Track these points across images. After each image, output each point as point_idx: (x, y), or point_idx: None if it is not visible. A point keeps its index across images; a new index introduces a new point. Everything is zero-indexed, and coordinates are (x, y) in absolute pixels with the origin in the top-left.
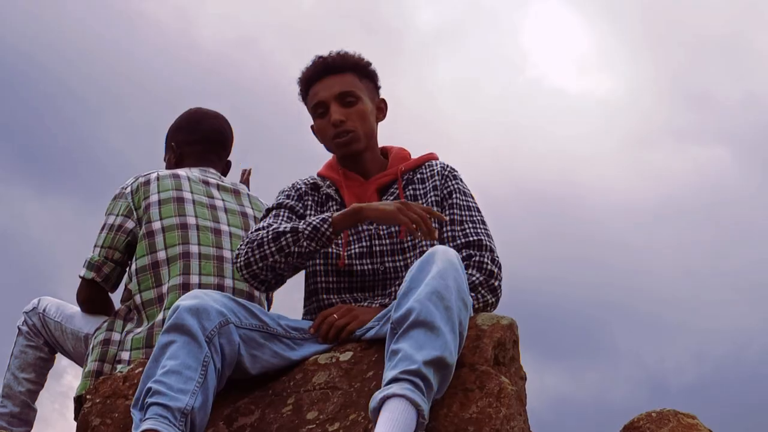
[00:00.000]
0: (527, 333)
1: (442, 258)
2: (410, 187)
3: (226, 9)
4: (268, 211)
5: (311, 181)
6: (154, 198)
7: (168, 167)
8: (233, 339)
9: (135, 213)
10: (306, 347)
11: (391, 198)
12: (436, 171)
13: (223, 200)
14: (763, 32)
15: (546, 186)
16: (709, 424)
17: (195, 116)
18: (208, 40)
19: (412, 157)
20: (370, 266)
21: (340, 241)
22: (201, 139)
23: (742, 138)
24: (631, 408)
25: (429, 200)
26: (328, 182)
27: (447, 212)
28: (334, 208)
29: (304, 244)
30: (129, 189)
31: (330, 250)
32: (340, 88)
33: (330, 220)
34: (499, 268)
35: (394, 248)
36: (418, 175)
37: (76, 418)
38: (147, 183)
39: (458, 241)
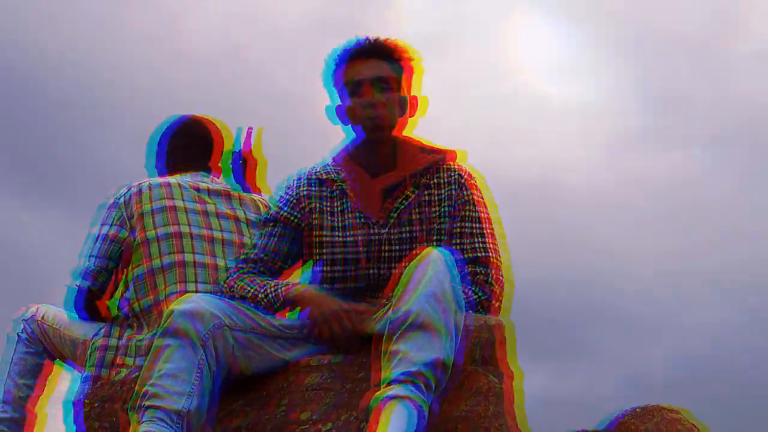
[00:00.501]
0: (519, 334)
1: (437, 259)
2: (425, 193)
3: (213, 19)
4: (266, 221)
5: (325, 176)
6: (146, 207)
7: (159, 174)
8: (228, 342)
9: (128, 222)
10: (300, 347)
11: (404, 205)
12: (454, 179)
13: (215, 205)
14: (735, 33)
15: (529, 191)
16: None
17: (181, 122)
18: (196, 50)
19: (423, 151)
20: (373, 270)
21: (342, 239)
22: (192, 144)
23: (719, 139)
24: (618, 407)
25: (442, 209)
26: (343, 175)
27: (457, 224)
28: (347, 205)
29: (257, 306)
30: (122, 199)
31: (345, 256)
32: (378, 73)
33: (284, 297)
34: (501, 286)
35: (399, 254)
36: (435, 180)
37: (67, 422)
38: (139, 193)
39: (465, 256)
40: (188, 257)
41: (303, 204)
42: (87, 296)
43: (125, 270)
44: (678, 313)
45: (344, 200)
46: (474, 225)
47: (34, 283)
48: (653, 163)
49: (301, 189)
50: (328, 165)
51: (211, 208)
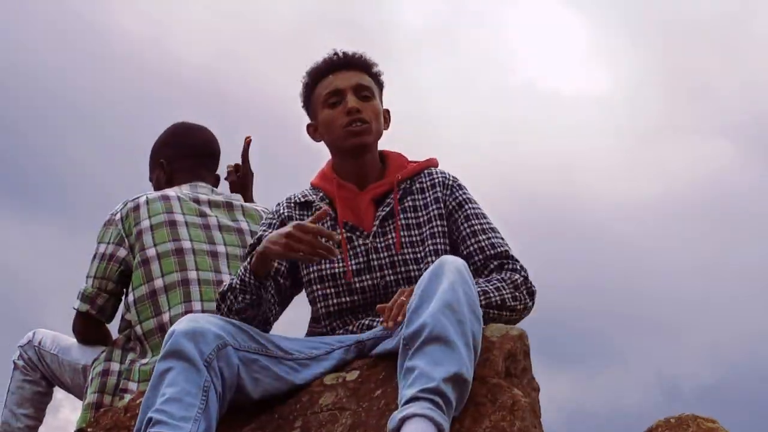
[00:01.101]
0: (533, 341)
1: (452, 270)
2: (409, 198)
3: (204, 21)
4: (252, 247)
5: (302, 199)
6: (145, 224)
7: (157, 186)
8: (232, 362)
9: (126, 240)
10: (310, 369)
11: (387, 209)
12: (437, 181)
13: (216, 217)
14: (757, 19)
15: (541, 186)
16: (726, 428)
17: (181, 130)
18: (186, 53)
19: (410, 162)
20: (369, 282)
21: (341, 258)
22: (190, 153)
23: (742, 129)
24: (645, 414)
25: (431, 212)
26: (321, 194)
27: (462, 224)
28: (329, 223)
29: (240, 298)
30: (119, 215)
31: (333, 271)
32: (359, 81)
33: (249, 266)
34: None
35: (393, 260)
36: (417, 185)
37: None
38: (136, 208)
39: (487, 252)
40: (191, 275)
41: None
42: (89, 320)
43: (125, 290)
44: (706, 314)
45: (325, 218)
46: (483, 221)
47: (24, 303)
48: (675, 156)
49: (282, 212)
50: (305, 190)
51: (212, 221)
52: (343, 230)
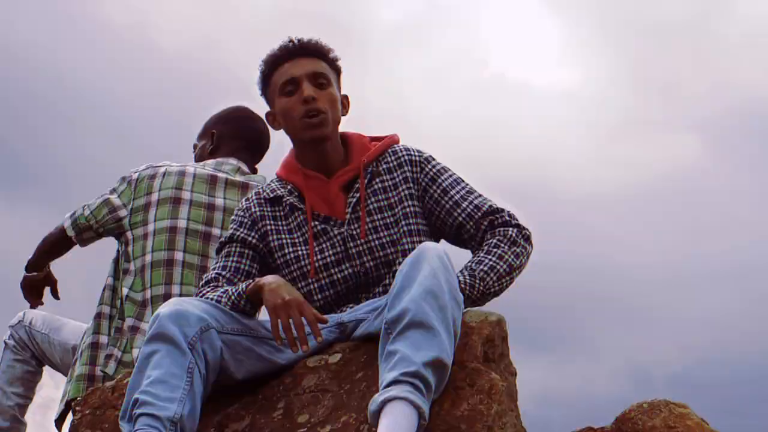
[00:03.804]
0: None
1: (433, 256)
2: (377, 180)
3: (183, 11)
4: (222, 245)
5: (272, 194)
6: (154, 197)
7: (200, 154)
8: (215, 344)
9: (132, 203)
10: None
11: (358, 196)
12: (404, 159)
13: (225, 199)
14: (724, 19)
15: (517, 180)
16: (697, 413)
17: (242, 113)
18: (167, 42)
19: (372, 141)
20: (350, 270)
21: (307, 252)
22: (242, 136)
23: (710, 126)
24: (615, 400)
25: (401, 192)
26: (290, 187)
27: (441, 198)
28: (301, 217)
29: (223, 306)
30: (137, 176)
31: (301, 269)
32: (314, 69)
33: (244, 296)
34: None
35: (370, 246)
36: (384, 165)
37: (59, 423)
38: (153, 177)
39: (475, 216)
40: (178, 255)
41: (258, 225)
42: (64, 239)
43: (123, 260)
44: (675, 304)
45: (296, 213)
46: (460, 188)
47: (12, 286)
48: (647, 151)
49: (253, 210)
50: (272, 182)
51: (219, 202)
52: (317, 222)
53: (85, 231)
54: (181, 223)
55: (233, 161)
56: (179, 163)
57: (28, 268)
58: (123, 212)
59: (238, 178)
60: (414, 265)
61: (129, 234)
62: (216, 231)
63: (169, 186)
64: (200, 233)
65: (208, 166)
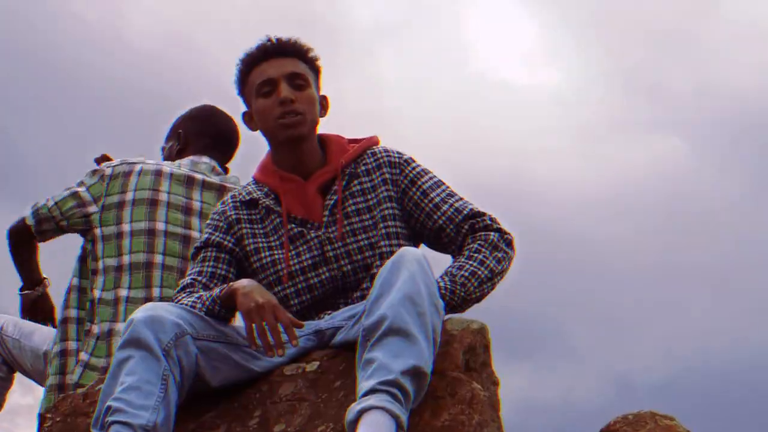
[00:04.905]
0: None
1: (412, 261)
2: (355, 182)
3: (156, 5)
4: (197, 250)
5: (248, 197)
6: (129, 196)
7: (167, 155)
8: (190, 350)
9: (103, 199)
10: (269, 357)
11: (336, 198)
12: (383, 161)
13: (202, 202)
14: (710, 24)
15: (498, 181)
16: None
17: (210, 111)
18: (139, 37)
19: (351, 143)
20: (327, 274)
21: (282, 255)
22: (211, 133)
23: (695, 130)
24: (598, 409)
25: (380, 195)
26: (266, 190)
27: (421, 201)
28: (277, 221)
29: (198, 312)
30: (110, 171)
31: (288, 270)
32: (292, 69)
33: (219, 300)
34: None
35: (348, 249)
36: (363, 167)
37: None
38: (128, 174)
39: (456, 219)
40: (158, 258)
41: (234, 229)
42: (23, 231)
43: (90, 258)
44: (659, 311)
45: (272, 216)
46: (440, 191)
47: None
48: (630, 154)
49: (229, 214)
50: (249, 185)
51: (196, 205)
52: (294, 225)
53: (45, 221)
54: (160, 226)
55: (206, 159)
56: (154, 161)
57: (22, 288)
58: (93, 208)
59: (214, 179)
60: (392, 271)
61: (98, 231)
62: (195, 234)
63: (145, 186)
64: (179, 236)
65: (183, 166)
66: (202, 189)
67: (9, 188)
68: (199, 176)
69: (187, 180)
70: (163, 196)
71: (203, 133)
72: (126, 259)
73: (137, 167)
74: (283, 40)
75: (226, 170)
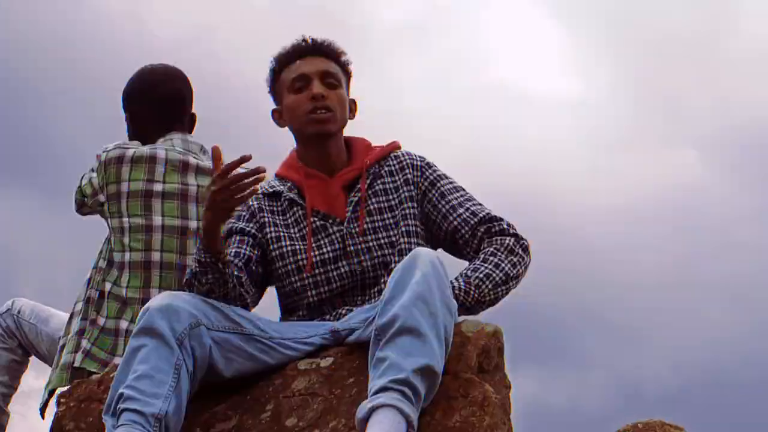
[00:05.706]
0: None
1: (426, 262)
2: (379, 182)
3: (177, 5)
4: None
5: (270, 190)
6: (124, 187)
7: (131, 137)
8: (204, 341)
9: (106, 188)
10: (284, 351)
11: (359, 195)
12: (406, 163)
13: (198, 186)
14: (730, 37)
15: (515, 189)
16: None
17: (145, 82)
18: (161, 37)
19: (374, 147)
20: (347, 267)
21: (304, 247)
22: (157, 106)
23: (711, 142)
24: (607, 417)
25: (402, 195)
26: (289, 184)
27: (439, 202)
28: (300, 213)
29: (203, 279)
30: (104, 157)
31: (297, 263)
32: (326, 68)
33: (200, 246)
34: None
35: (369, 246)
36: (386, 168)
37: (43, 412)
38: (120, 161)
39: (471, 222)
40: (155, 256)
41: (257, 217)
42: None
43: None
44: (671, 323)
45: (295, 209)
46: (458, 194)
47: (3, 274)
48: (644, 165)
49: (251, 203)
50: (271, 180)
51: (192, 190)
52: (316, 218)
53: (82, 207)
54: (157, 220)
55: (192, 138)
56: (149, 146)
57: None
58: (102, 197)
59: (206, 164)
60: (406, 271)
61: (109, 221)
62: (192, 224)
63: (139, 178)
64: (177, 228)
65: (177, 148)
66: (197, 174)
67: (38, 177)
68: (193, 161)
69: (182, 166)
70: (158, 186)
71: (149, 109)
72: (127, 256)
73: (129, 152)
74: (319, 41)
75: (192, 127)
